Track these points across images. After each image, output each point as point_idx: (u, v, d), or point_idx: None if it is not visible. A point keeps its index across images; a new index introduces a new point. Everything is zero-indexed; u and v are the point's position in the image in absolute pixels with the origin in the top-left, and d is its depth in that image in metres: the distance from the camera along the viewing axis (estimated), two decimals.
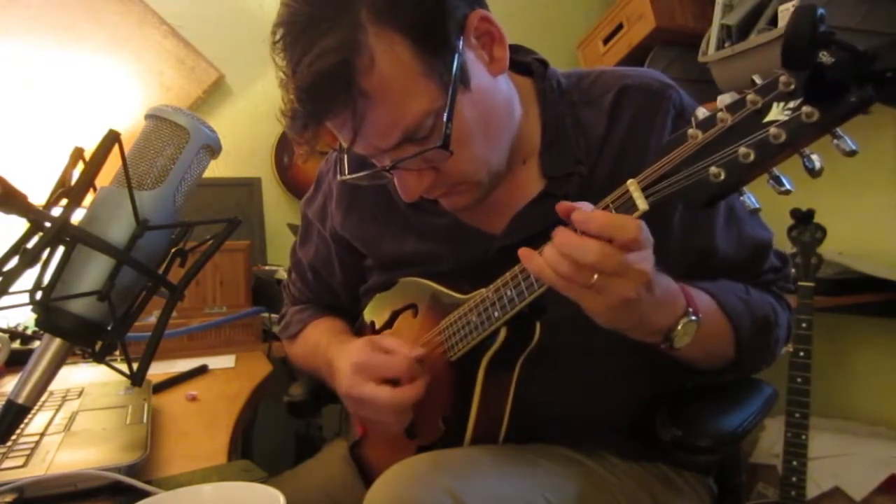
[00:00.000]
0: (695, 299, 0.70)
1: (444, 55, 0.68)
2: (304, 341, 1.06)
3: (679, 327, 0.68)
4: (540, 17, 2.52)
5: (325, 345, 0.95)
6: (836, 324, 1.93)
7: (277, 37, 0.70)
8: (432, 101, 0.68)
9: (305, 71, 0.66)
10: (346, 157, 0.80)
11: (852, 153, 0.49)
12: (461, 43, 0.69)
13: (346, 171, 0.79)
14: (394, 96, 0.67)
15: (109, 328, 0.58)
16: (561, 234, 0.60)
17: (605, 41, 2.31)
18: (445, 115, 0.68)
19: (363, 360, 0.79)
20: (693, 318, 0.68)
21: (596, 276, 0.58)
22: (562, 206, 0.62)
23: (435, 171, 0.73)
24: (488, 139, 0.75)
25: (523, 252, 0.64)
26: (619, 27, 2.24)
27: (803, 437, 1.48)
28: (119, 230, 0.56)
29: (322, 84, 0.65)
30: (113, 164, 0.57)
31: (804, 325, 1.48)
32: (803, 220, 1.53)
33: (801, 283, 1.50)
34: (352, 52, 0.65)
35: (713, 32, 1.89)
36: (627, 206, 0.60)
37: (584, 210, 0.61)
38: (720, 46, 1.86)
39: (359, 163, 0.78)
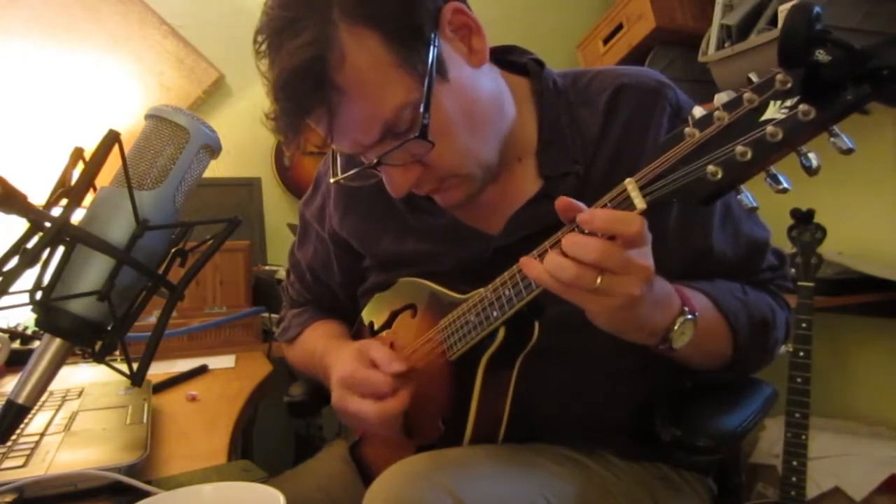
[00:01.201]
0: (691, 299, 0.70)
1: (418, 47, 0.69)
2: (302, 346, 1.06)
3: (676, 327, 0.68)
4: (540, 17, 2.53)
5: (321, 351, 0.95)
6: (836, 324, 1.92)
7: (259, 43, 0.72)
8: (409, 93, 0.69)
9: (280, 69, 0.68)
10: (338, 158, 0.81)
11: (849, 151, 0.49)
12: (436, 35, 0.70)
13: (339, 173, 0.79)
14: (369, 90, 0.68)
15: (109, 328, 0.58)
16: (566, 237, 0.60)
17: (605, 41, 2.31)
18: (422, 105, 0.68)
19: (348, 373, 0.80)
20: (690, 316, 0.68)
21: (600, 280, 0.58)
22: (561, 201, 0.62)
23: (422, 165, 0.74)
24: (474, 131, 0.75)
25: (524, 261, 0.64)
26: (619, 27, 2.24)
27: (803, 437, 1.48)
28: (119, 230, 0.56)
29: (295, 81, 0.67)
30: (113, 164, 0.57)
31: (804, 325, 1.48)
32: (803, 220, 1.53)
33: (801, 283, 1.50)
34: (322, 47, 0.66)
35: (713, 32, 1.90)
36: (625, 206, 0.60)
37: (584, 210, 0.61)
38: (720, 46, 1.86)
39: (351, 164, 0.78)
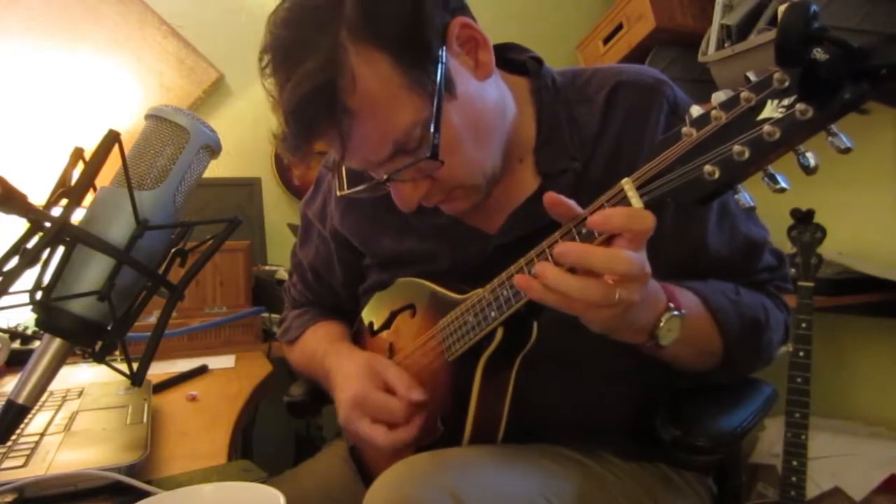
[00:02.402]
0: (677, 295, 0.70)
1: (426, 66, 0.69)
2: (303, 347, 1.06)
3: (662, 323, 0.67)
4: (540, 17, 2.52)
5: (322, 353, 0.95)
6: (836, 324, 1.93)
7: (264, 62, 0.71)
8: (418, 112, 0.69)
9: (290, 94, 0.67)
10: (343, 171, 0.81)
11: (847, 150, 0.48)
12: (443, 52, 0.70)
13: (346, 186, 0.80)
14: (379, 111, 0.68)
15: (109, 328, 0.58)
16: (593, 251, 0.58)
17: (605, 41, 2.31)
18: (432, 125, 0.68)
19: (362, 395, 0.79)
20: (675, 312, 0.68)
21: (618, 294, 0.58)
22: (549, 196, 0.61)
23: (430, 179, 0.74)
24: (480, 143, 0.75)
25: (520, 280, 0.63)
26: (619, 27, 2.24)
27: (803, 437, 1.48)
28: (119, 230, 0.56)
29: (306, 106, 0.67)
30: (113, 164, 0.57)
31: (804, 325, 1.48)
32: (803, 220, 1.53)
33: (801, 283, 1.50)
34: (333, 72, 0.66)
35: (713, 32, 1.90)
36: (622, 206, 0.60)
37: (574, 207, 0.61)
38: (720, 46, 1.86)
39: (357, 175, 0.79)
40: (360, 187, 0.77)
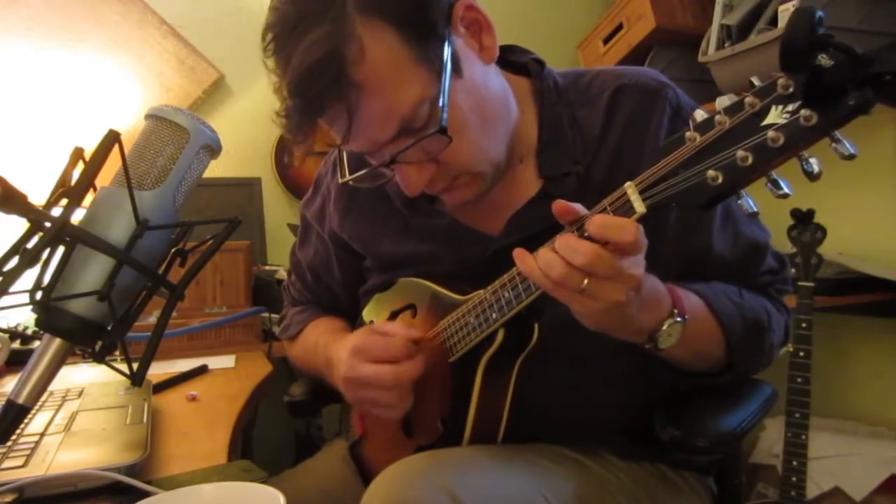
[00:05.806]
0: (683, 301, 0.70)
1: (433, 43, 0.68)
2: (304, 342, 1.06)
3: (664, 328, 0.68)
4: (540, 17, 2.52)
5: (323, 343, 0.95)
6: (836, 324, 1.93)
7: (268, 40, 0.70)
8: (425, 89, 0.68)
9: (295, 66, 0.66)
10: (345, 158, 0.80)
11: (851, 157, 0.48)
12: (449, 31, 0.70)
13: (347, 173, 0.78)
14: (386, 85, 0.67)
15: (109, 328, 0.58)
16: (560, 238, 0.61)
17: (605, 41, 2.31)
18: (441, 100, 0.68)
19: (360, 342, 0.79)
20: (678, 319, 0.68)
21: (586, 281, 0.58)
22: (557, 205, 0.62)
23: (435, 163, 0.73)
24: (486, 128, 0.75)
25: (517, 253, 0.64)
26: (619, 27, 2.24)
27: (803, 437, 1.48)
28: (119, 230, 0.56)
29: (312, 77, 0.65)
30: (113, 164, 0.57)
31: (804, 325, 1.48)
32: (803, 220, 1.53)
33: (801, 283, 1.50)
34: (340, 42, 0.65)
35: (713, 32, 1.90)
36: (625, 209, 0.60)
37: (582, 211, 0.61)
38: (720, 46, 1.86)
39: (358, 164, 0.78)
40: (362, 172, 0.76)
